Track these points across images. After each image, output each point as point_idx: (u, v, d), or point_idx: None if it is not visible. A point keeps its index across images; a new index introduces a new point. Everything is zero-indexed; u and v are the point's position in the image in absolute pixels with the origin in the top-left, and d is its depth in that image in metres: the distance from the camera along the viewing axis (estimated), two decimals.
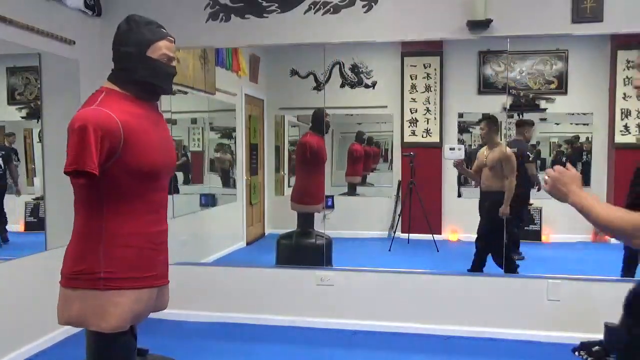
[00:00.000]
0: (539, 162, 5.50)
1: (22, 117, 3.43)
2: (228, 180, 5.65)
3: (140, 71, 1.86)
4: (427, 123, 5.20)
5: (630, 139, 4.67)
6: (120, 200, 1.84)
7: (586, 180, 4.80)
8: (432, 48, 4.98)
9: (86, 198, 1.85)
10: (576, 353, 3.26)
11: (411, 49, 5.02)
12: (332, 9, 3.58)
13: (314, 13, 3.60)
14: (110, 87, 1.89)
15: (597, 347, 3.18)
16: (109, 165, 1.76)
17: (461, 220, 5.20)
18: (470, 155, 4.83)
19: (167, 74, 1.93)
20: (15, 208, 3.44)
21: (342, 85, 5.50)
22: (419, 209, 4.99)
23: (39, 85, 3.28)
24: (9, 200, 3.43)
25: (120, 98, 1.86)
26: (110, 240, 1.83)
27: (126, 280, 1.84)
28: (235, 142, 5.48)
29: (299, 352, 3.32)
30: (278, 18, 3.64)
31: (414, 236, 5.02)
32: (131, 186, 1.84)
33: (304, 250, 4.51)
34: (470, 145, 5.44)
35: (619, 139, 4.68)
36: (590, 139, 5.08)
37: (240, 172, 5.48)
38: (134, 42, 1.86)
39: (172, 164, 2.06)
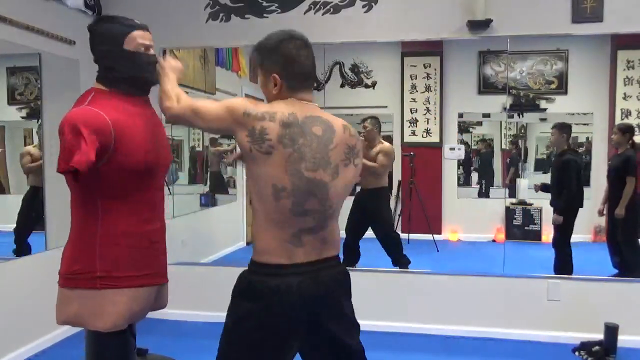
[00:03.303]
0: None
1: (22, 117, 3.43)
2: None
3: (121, 66, 1.86)
4: (427, 123, 5.20)
5: None
6: (115, 199, 1.83)
7: (586, 180, 4.79)
8: (432, 48, 4.97)
9: (81, 197, 1.85)
10: (576, 353, 3.26)
11: (411, 49, 5.01)
12: (332, 9, 3.59)
13: (314, 13, 3.60)
14: (98, 87, 1.89)
15: (597, 347, 3.19)
16: (102, 164, 1.75)
17: (461, 220, 5.21)
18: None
19: (147, 62, 1.90)
20: (15, 208, 3.43)
21: (342, 85, 5.49)
22: (419, 209, 4.99)
23: (39, 85, 3.29)
24: (8, 199, 3.44)
25: (109, 97, 1.85)
26: (106, 239, 1.83)
27: (123, 279, 1.84)
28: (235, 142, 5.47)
29: None
30: (278, 18, 3.64)
31: (414, 236, 5.01)
32: (126, 184, 1.83)
33: None
34: (468, 145, 5.45)
35: None
36: (590, 139, 5.08)
37: (241, 172, 5.48)
38: (108, 38, 1.86)
39: (166, 161, 2.03)
